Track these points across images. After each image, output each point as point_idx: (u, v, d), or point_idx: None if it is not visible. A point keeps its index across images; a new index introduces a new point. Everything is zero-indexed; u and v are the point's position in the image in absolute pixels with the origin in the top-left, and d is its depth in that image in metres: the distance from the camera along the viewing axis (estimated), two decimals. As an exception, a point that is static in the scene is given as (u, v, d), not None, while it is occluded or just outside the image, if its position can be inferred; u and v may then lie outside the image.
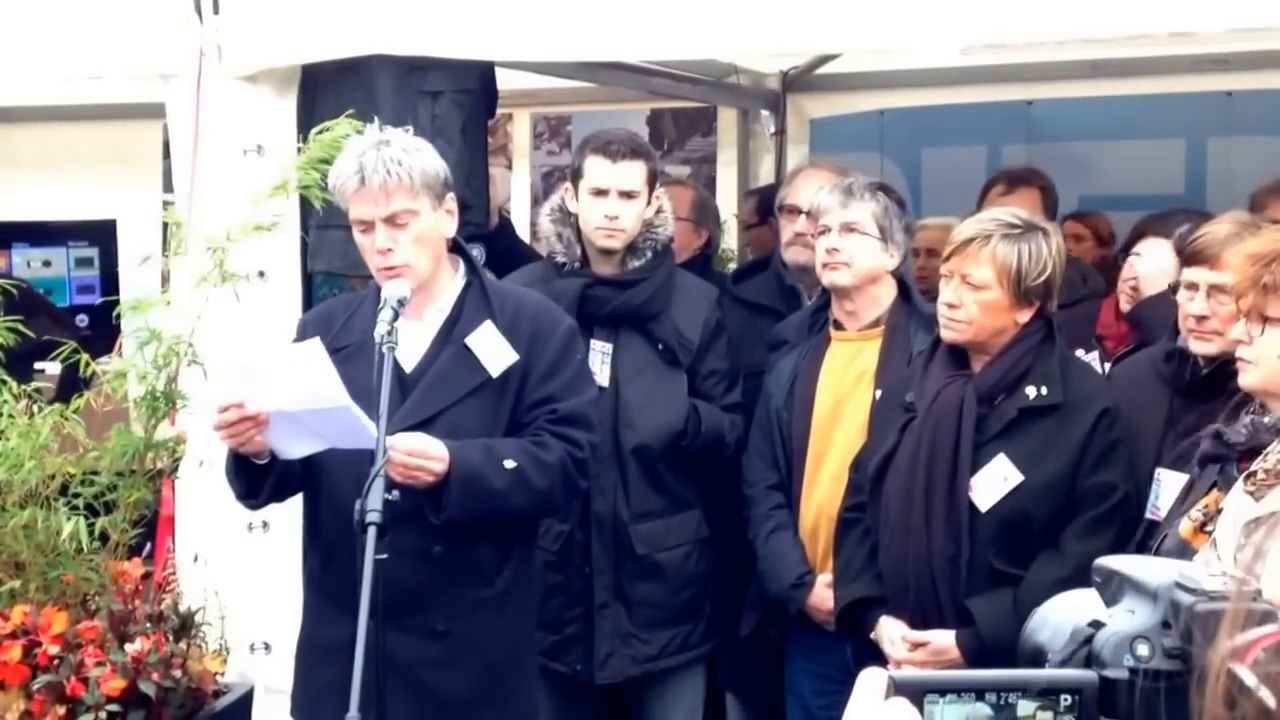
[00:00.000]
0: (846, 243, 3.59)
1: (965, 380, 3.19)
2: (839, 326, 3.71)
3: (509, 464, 2.93)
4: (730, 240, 5.70)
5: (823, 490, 3.58)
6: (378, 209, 2.94)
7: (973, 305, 3.16)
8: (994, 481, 3.13)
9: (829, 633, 3.48)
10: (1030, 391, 3.16)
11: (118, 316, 3.18)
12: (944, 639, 3.14)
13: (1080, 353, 3.78)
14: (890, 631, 3.21)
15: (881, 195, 3.64)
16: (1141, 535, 3.00)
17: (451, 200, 3.05)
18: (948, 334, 3.22)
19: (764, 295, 4.14)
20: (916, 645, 3.17)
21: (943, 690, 0.98)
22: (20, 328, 3.20)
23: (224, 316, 3.31)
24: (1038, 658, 1.06)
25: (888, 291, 3.67)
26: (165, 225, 3.67)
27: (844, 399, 3.62)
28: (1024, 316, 3.18)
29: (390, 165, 2.93)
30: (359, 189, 2.94)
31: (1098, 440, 3.13)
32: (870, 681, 0.97)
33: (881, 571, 3.25)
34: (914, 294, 3.73)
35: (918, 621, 3.18)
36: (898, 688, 0.95)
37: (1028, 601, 3.07)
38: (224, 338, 3.30)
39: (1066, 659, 1.01)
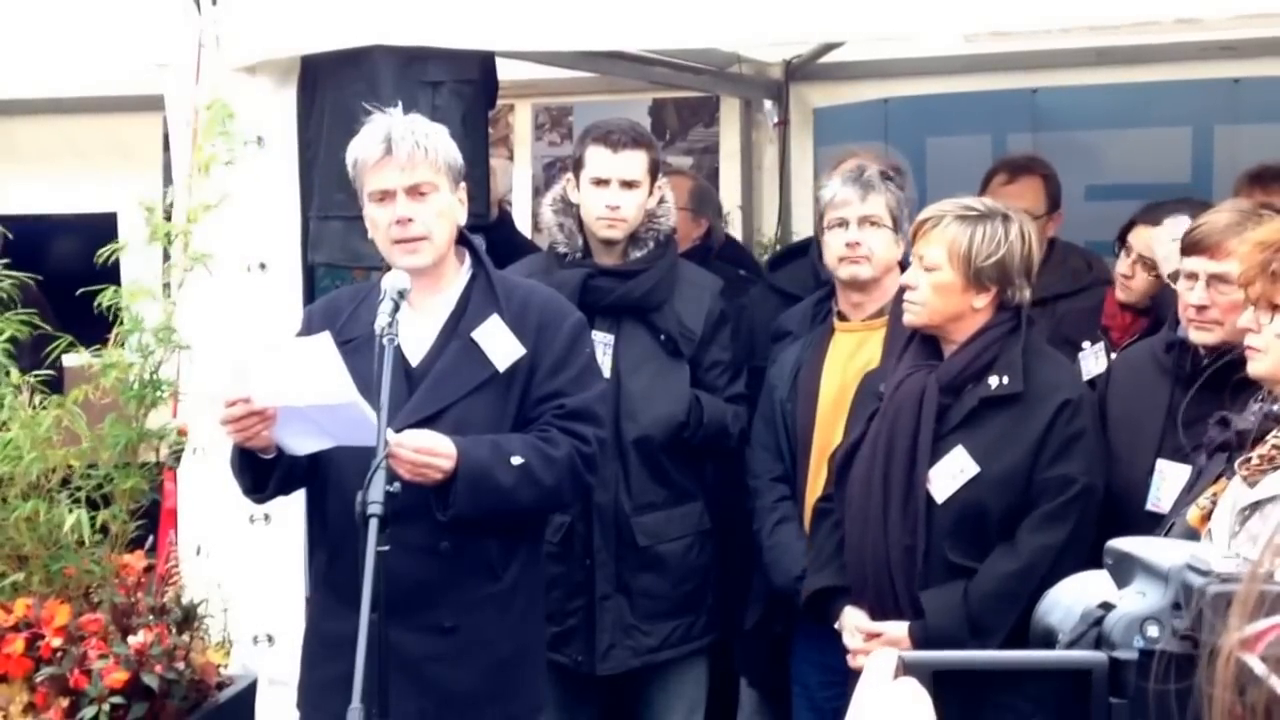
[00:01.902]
0: (866, 236, 3.58)
1: (929, 370, 3.18)
2: (842, 317, 3.69)
3: (516, 460, 2.92)
4: (735, 231, 5.67)
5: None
6: (402, 177, 2.94)
7: (926, 286, 3.16)
8: (951, 473, 3.11)
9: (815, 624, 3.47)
10: (992, 381, 3.14)
11: (98, 307, 3.17)
12: (897, 630, 3.13)
13: (1086, 345, 3.76)
14: (850, 621, 3.21)
15: (892, 184, 3.64)
16: (1143, 526, 2.98)
17: (464, 189, 3.05)
18: (907, 316, 3.23)
19: (797, 285, 4.09)
20: (871, 636, 3.16)
21: (951, 670, 0.97)
22: (35, 320, 3.20)
23: (226, 308, 3.30)
24: (1049, 639, 1.05)
25: (893, 281, 3.66)
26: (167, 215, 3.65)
27: (849, 390, 3.59)
28: (980, 301, 3.16)
29: (418, 137, 2.95)
30: (383, 158, 2.94)
31: (1057, 432, 3.10)
32: (879, 662, 0.96)
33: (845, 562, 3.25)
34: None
35: (876, 612, 3.18)
36: (906, 668, 0.95)
37: (978, 594, 3.09)
38: (227, 330, 3.29)
39: (1076, 640, 1.00)
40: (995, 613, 3.04)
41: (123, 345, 3.19)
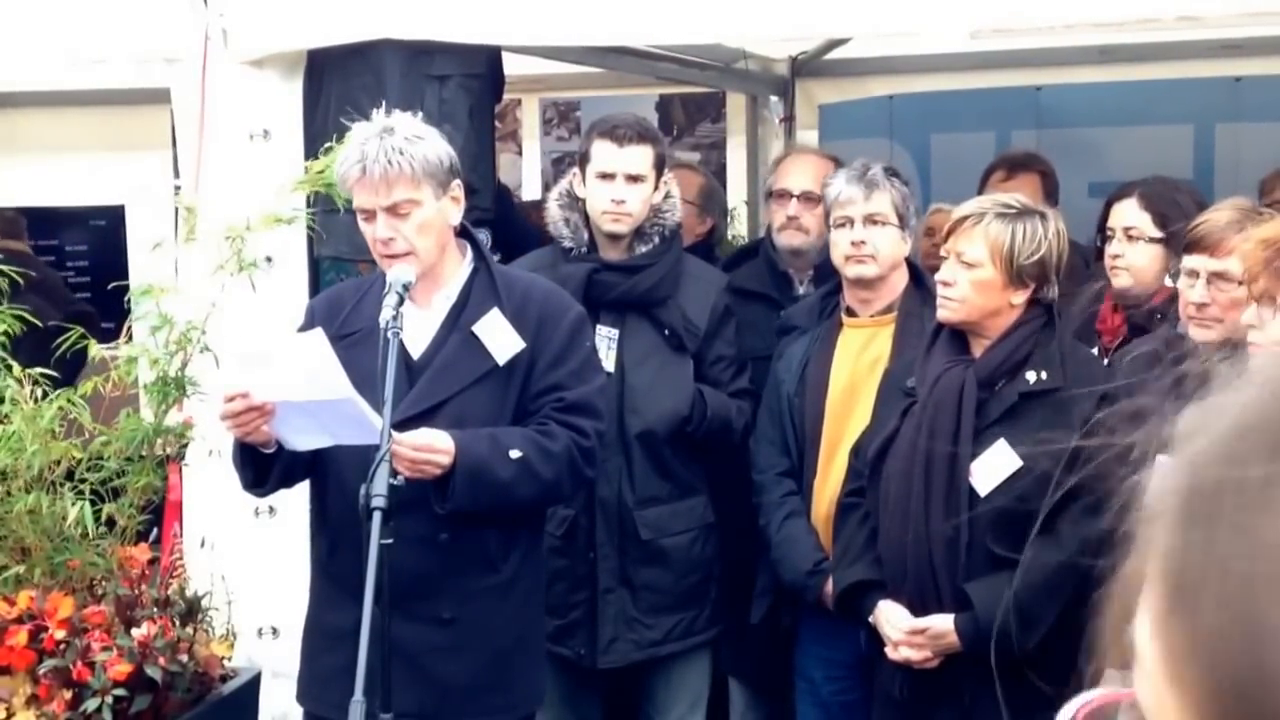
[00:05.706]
0: (871, 234, 3.59)
1: (966, 365, 3.19)
2: (850, 312, 3.70)
3: (514, 454, 2.93)
4: (740, 227, 5.68)
5: (837, 478, 3.55)
6: (379, 198, 2.92)
7: (965, 283, 3.17)
8: (994, 466, 3.12)
9: (842, 619, 3.47)
10: (1030, 376, 3.15)
11: (128, 302, 3.18)
12: (942, 623, 3.14)
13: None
14: (889, 615, 3.21)
15: (897, 181, 3.65)
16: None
17: (457, 186, 3.03)
18: (942, 313, 3.23)
19: (755, 282, 4.11)
20: (914, 630, 3.17)
21: None
22: (26, 315, 3.20)
23: (232, 303, 3.31)
24: None
25: (901, 277, 3.68)
26: (176, 210, 3.66)
27: (858, 386, 3.61)
28: (1018, 298, 3.18)
29: (391, 155, 2.90)
30: (360, 178, 2.92)
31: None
32: None
33: (880, 555, 3.25)
34: (926, 278, 3.72)
35: (916, 605, 3.18)
36: None
37: (1025, 586, 3.09)
38: (232, 324, 3.30)
39: None
40: (1043, 604, 3.05)
41: (129, 339, 3.19)
